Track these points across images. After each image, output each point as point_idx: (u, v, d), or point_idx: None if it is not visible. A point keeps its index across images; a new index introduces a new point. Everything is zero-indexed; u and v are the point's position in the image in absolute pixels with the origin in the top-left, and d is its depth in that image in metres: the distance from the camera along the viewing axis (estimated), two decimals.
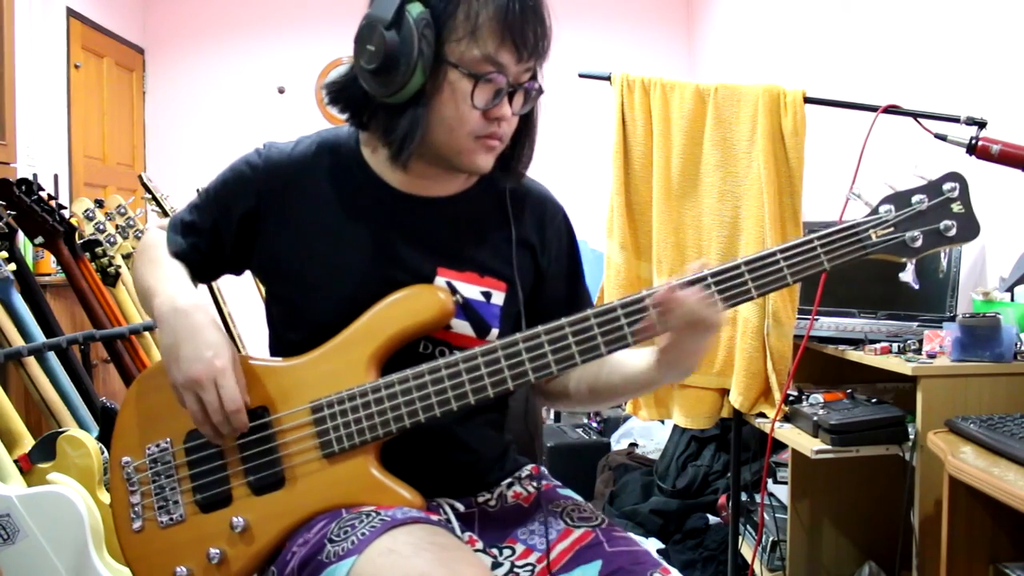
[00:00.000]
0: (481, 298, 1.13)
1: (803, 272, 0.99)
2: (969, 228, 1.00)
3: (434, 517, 1.03)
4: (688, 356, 1.04)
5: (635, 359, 1.13)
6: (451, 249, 1.12)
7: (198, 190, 1.21)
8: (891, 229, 1.00)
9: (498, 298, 1.14)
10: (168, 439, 1.08)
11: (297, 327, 1.12)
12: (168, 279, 1.11)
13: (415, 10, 0.98)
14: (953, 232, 1.00)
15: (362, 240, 1.10)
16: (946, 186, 1.00)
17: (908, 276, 1.02)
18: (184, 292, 1.07)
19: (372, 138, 1.11)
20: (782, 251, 1.00)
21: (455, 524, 1.09)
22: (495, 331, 1.12)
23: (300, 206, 1.11)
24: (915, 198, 1.01)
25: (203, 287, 1.21)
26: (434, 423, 1.03)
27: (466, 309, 1.11)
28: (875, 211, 1.01)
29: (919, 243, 1.00)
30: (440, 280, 1.11)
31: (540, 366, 1.01)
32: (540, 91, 1.08)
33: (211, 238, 1.15)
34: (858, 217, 1.03)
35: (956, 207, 1.00)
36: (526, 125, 1.13)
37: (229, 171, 1.14)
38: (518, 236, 1.15)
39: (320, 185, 1.12)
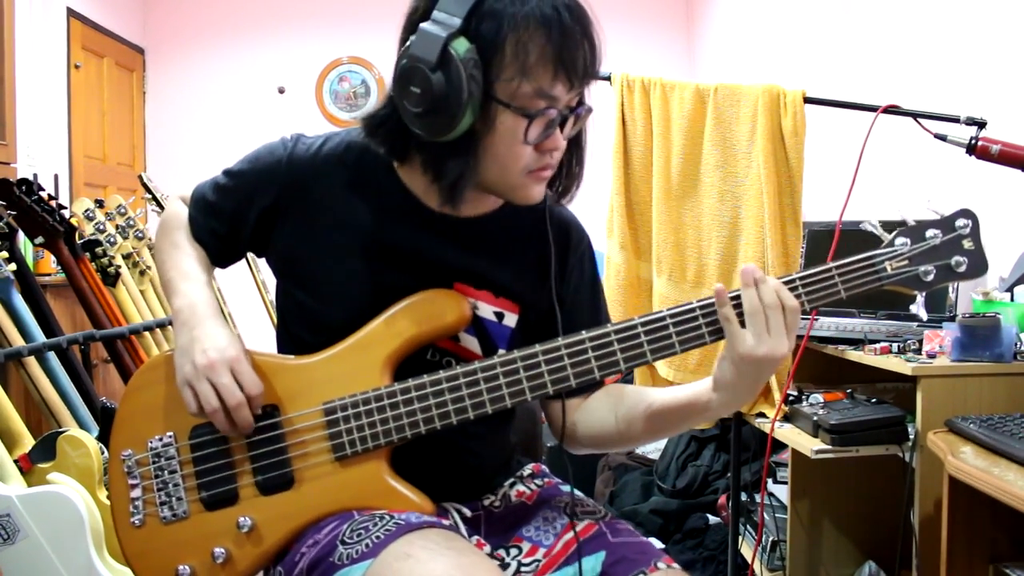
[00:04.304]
0: (493, 318, 1.12)
1: (820, 300, 1.00)
2: (978, 265, 1.01)
3: (445, 521, 1.03)
4: (750, 381, 0.99)
5: (682, 389, 1.08)
6: (470, 267, 1.11)
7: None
8: (906, 262, 1.01)
9: (510, 320, 1.13)
10: (171, 433, 1.06)
11: (306, 325, 1.11)
12: (188, 276, 1.10)
13: (461, 47, 0.92)
14: (963, 268, 1.01)
15: (381, 249, 1.08)
16: (959, 222, 1.02)
17: (917, 308, 1.04)
18: (203, 299, 1.07)
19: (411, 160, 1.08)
20: (801, 279, 1.00)
21: (462, 528, 1.09)
22: (502, 352, 1.09)
23: (321, 207, 1.09)
24: (929, 232, 1.02)
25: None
26: (447, 429, 1.03)
27: (476, 326, 1.10)
28: (891, 243, 1.02)
29: (931, 277, 1.01)
30: None
31: (559, 379, 1.02)
32: (589, 110, 1.03)
33: (229, 224, 1.13)
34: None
35: (967, 244, 1.01)
36: (575, 144, 1.10)
37: (254, 158, 1.12)
38: (542, 259, 1.13)
39: (344, 189, 1.09)
